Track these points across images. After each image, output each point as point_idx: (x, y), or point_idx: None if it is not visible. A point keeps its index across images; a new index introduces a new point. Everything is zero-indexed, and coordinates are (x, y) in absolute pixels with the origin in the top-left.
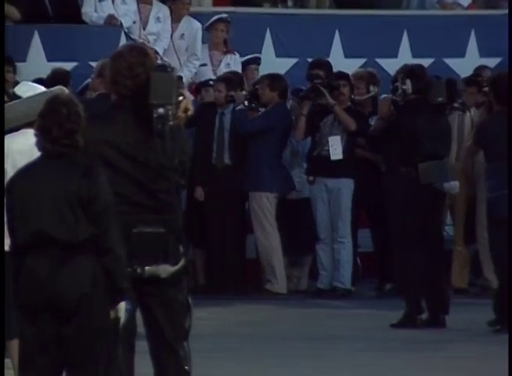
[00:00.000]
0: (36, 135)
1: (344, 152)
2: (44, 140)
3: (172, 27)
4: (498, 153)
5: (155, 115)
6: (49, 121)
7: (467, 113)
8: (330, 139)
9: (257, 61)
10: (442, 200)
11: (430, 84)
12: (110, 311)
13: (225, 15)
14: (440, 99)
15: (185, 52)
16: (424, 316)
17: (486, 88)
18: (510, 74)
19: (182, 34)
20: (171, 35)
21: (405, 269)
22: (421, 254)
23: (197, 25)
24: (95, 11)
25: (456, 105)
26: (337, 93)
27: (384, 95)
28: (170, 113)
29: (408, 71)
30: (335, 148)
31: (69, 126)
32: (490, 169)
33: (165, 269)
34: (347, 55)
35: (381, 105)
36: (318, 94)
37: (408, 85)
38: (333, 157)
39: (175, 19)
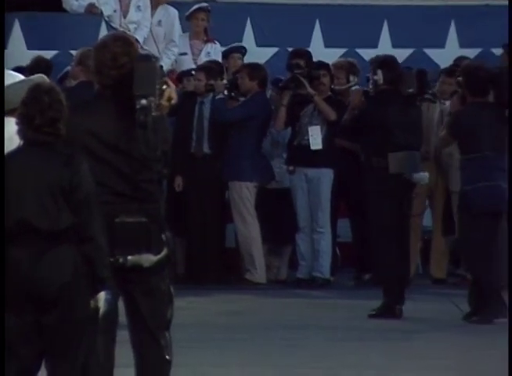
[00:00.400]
0: (18, 123)
1: (323, 142)
2: (26, 128)
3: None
4: (472, 145)
5: (138, 106)
6: (32, 109)
7: (437, 104)
8: (310, 128)
9: (241, 50)
10: (411, 190)
11: (401, 75)
12: (90, 300)
13: (205, 4)
14: (410, 89)
15: (163, 39)
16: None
17: (459, 78)
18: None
19: (159, 21)
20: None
21: (382, 259)
22: (395, 245)
23: (174, 11)
24: None
25: (426, 96)
26: (316, 83)
27: (355, 87)
28: (152, 104)
29: (379, 62)
30: (315, 138)
31: (51, 114)
32: (464, 161)
33: (148, 259)
34: (328, 44)
35: (353, 95)
36: (298, 84)
37: (379, 76)
38: (312, 147)
39: (152, 6)
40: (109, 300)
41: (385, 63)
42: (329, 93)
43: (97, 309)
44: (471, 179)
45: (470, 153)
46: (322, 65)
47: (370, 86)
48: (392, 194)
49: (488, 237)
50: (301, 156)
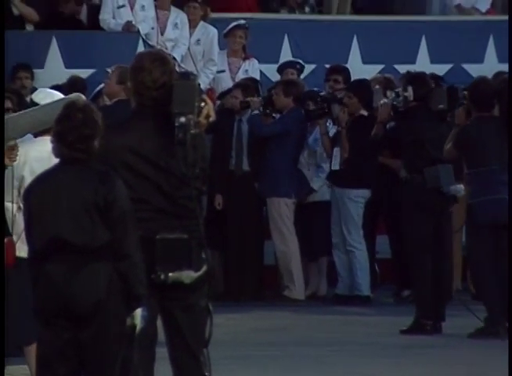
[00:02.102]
0: (52, 141)
1: (347, 163)
2: (60, 145)
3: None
4: (478, 158)
5: (177, 124)
6: (65, 126)
7: None
8: (335, 149)
9: (295, 66)
10: (450, 205)
11: (431, 91)
12: (127, 318)
13: (243, 21)
14: (441, 106)
15: (201, 57)
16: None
17: (465, 92)
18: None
19: (198, 40)
20: None
21: (417, 275)
22: (431, 260)
23: (213, 30)
24: (113, 17)
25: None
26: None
27: (383, 100)
28: (191, 121)
29: (410, 78)
30: (335, 158)
31: (84, 131)
32: (470, 175)
33: (188, 275)
34: (366, 61)
35: (382, 110)
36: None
37: (409, 92)
38: (332, 167)
39: (191, 25)
40: (145, 317)
41: (416, 79)
42: (361, 112)
43: (134, 326)
44: (478, 193)
45: (476, 167)
46: (352, 86)
47: (400, 102)
48: (430, 209)
49: (494, 250)
50: (331, 174)
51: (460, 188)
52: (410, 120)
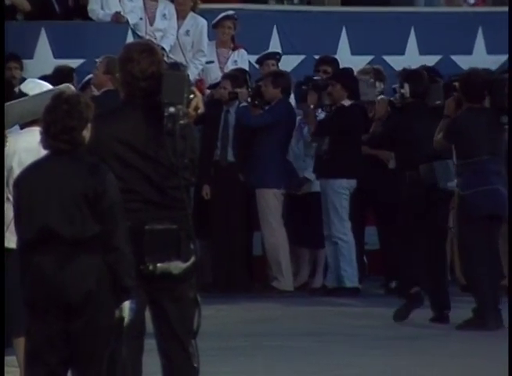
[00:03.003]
0: (40, 133)
1: (331, 152)
2: (46, 136)
3: (177, 24)
4: (469, 150)
5: (166, 114)
6: (50, 117)
7: None
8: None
9: (275, 57)
10: (447, 202)
11: (428, 87)
12: (115, 310)
13: (231, 12)
14: (438, 102)
15: (190, 48)
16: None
17: (455, 83)
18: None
19: (187, 31)
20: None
21: (407, 271)
22: (424, 253)
23: (202, 21)
24: (102, 8)
25: None
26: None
27: (381, 96)
28: (180, 112)
29: (406, 75)
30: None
31: (68, 123)
32: (461, 166)
33: (177, 266)
34: (354, 52)
35: (379, 106)
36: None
37: (406, 89)
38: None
39: (180, 16)
40: (133, 309)
41: (412, 76)
42: (343, 102)
43: (122, 318)
44: (470, 184)
45: (467, 158)
46: (335, 74)
47: (397, 97)
48: (427, 207)
49: (487, 242)
50: (317, 165)
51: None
52: (407, 116)
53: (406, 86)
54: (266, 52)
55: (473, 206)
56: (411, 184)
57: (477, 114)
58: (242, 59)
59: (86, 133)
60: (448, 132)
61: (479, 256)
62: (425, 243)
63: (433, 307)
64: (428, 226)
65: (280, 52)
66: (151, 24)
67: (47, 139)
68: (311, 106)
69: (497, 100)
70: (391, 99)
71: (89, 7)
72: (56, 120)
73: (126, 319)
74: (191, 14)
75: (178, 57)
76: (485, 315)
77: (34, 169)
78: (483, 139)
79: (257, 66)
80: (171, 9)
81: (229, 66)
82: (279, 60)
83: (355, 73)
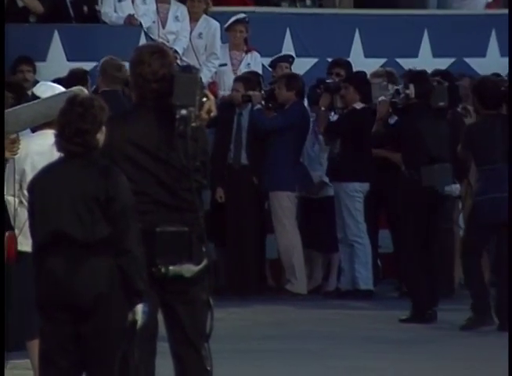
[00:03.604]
0: (54, 136)
1: (341, 155)
2: (59, 139)
3: (190, 27)
4: (485, 156)
5: (177, 116)
6: (64, 120)
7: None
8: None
9: (288, 60)
10: (443, 203)
11: (432, 88)
12: (128, 313)
13: (243, 15)
14: (441, 103)
15: (204, 51)
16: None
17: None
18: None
19: (200, 33)
20: (190, 35)
21: (408, 271)
22: (422, 254)
23: (215, 24)
24: (115, 11)
25: (458, 109)
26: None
27: (381, 97)
28: (192, 114)
29: (411, 76)
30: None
31: (82, 126)
32: (479, 172)
33: (189, 269)
34: (368, 54)
35: (380, 107)
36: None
37: (411, 90)
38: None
39: (193, 18)
40: (146, 312)
41: (417, 77)
42: (355, 105)
43: (135, 321)
44: (482, 191)
45: (482, 165)
46: (349, 77)
47: (401, 99)
48: (423, 207)
49: (480, 246)
50: (330, 168)
51: (456, 188)
52: (411, 116)
53: (411, 87)
54: (279, 54)
55: (481, 213)
56: (412, 184)
57: (493, 121)
58: (255, 61)
59: (100, 136)
60: (465, 139)
61: (477, 260)
62: (422, 243)
63: (416, 306)
64: (426, 226)
65: (293, 54)
66: (163, 27)
67: (60, 142)
68: (323, 109)
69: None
70: (393, 99)
71: (102, 10)
72: (70, 122)
73: (139, 322)
74: (204, 17)
75: (191, 60)
76: (481, 313)
77: (47, 173)
78: (498, 146)
79: (270, 68)
80: (183, 11)
81: (242, 69)
82: (291, 63)
83: (368, 75)
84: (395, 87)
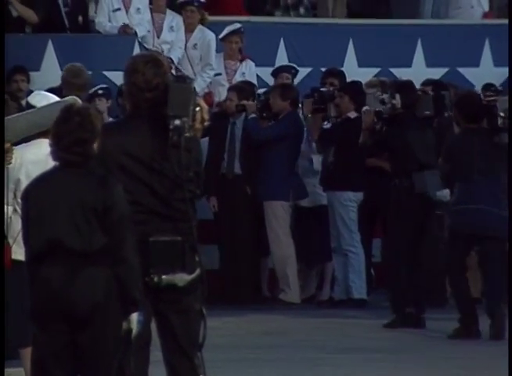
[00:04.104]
0: (50, 143)
1: (333, 164)
2: (57, 148)
3: (186, 37)
4: (461, 169)
5: (171, 126)
6: (62, 129)
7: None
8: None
9: (290, 70)
10: (433, 209)
11: (418, 98)
12: (123, 322)
13: (238, 25)
14: (427, 112)
15: (198, 61)
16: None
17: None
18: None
19: (195, 44)
20: (185, 45)
21: (393, 275)
22: (410, 262)
23: (210, 35)
24: (109, 21)
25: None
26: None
27: (365, 107)
28: (186, 125)
29: (397, 86)
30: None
31: (80, 135)
32: (456, 185)
33: (182, 278)
34: (361, 64)
35: (365, 116)
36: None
37: (397, 99)
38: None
39: (188, 29)
40: (141, 321)
41: (403, 87)
42: (349, 114)
43: (130, 330)
44: (456, 202)
45: (461, 178)
46: (346, 86)
47: (387, 109)
48: (415, 213)
49: (460, 258)
50: (323, 177)
51: (446, 193)
52: (397, 126)
53: (397, 97)
54: (282, 64)
55: (453, 223)
56: (403, 191)
57: (473, 135)
58: (250, 71)
59: (95, 146)
60: (445, 153)
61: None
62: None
63: (394, 306)
64: (419, 233)
65: (287, 64)
66: (158, 37)
67: (57, 151)
68: (309, 115)
69: (494, 121)
70: (377, 109)
71: (97, 20)
72: (69, 132)
73: (134, 331)
74: (199, 27)
75: (186, 70)
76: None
77: (43, 181)
78: (477, 158)
79: (264, 78)
80: (178, 22)
81: (237, 79)
82: (295, 75)
83: (364, 85)
84: (381, 96)
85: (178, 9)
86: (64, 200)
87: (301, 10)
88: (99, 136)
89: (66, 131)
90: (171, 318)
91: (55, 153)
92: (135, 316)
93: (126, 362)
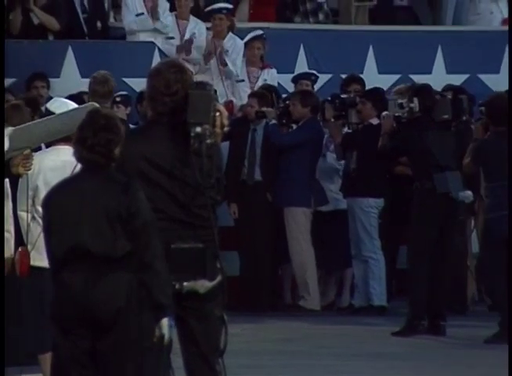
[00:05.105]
0: (74, 146)
1: (357, 170)
2: (81, 148)
3: (215, 43)
4: (495, 173)
5: (192, 134)
6: (87, 131)
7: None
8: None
9: (310, 77)
10: (456, 211)
11: (436, 102)
12: (155, 328)
13: (260, 31)
14: (445, 116)
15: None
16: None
17: (482, 108)
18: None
19: (226, 51)
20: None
21: (414, 277)
22: (430, 265)
23: (240, 43)
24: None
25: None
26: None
27: (385, 112)
28: (207, 131)
29: (415, 90)
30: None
31: (105, 135)
32: (488, 189)
33: (203, 285)
34: (381, 71)
35: (384, 121)
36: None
37: (415, 103)
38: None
39: (218, 36)
40: (172, 326)
41: (421, 91)
42: (371, 121)
43: (162, 336)
44: (493, 208)
45: (491, 182)
46: (369, 92)
47: (405, 113)
48: (437, 215)
49: (506, 265)
50: (344, 183)
51: (469, 194)
52: (416, 129)
53: (415, 101)
54: (302, 71)
55: (494, 230)
56: (425, 194)
57: (503, 138)
58: (271, 78)
59: (118, 150)
60: (475, 156)
61: (500, 277)
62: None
63: (429, 318)
64: (441, 237)
65: (307, 70)
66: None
67: (82, 151)
68: (332, 120)
69: None
70: (396, 114)
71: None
72: (95, 133)
73: (166, 337)
74: (230, 35)
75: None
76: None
77: (65, 187)
78: (507, 162)
79: (284, 85)
80: (201, 28)
81: (260, 86)
82: (314, 82)
83: (392, 92)
84: (399, 101)
85: (205, 16)
86: (88, 206)
87: (321, 16)
88: (122, 140)
89: (91, 132)
90: (192, 324)
91: (79, 154)
92: (165, 322)
93: (157, 369)
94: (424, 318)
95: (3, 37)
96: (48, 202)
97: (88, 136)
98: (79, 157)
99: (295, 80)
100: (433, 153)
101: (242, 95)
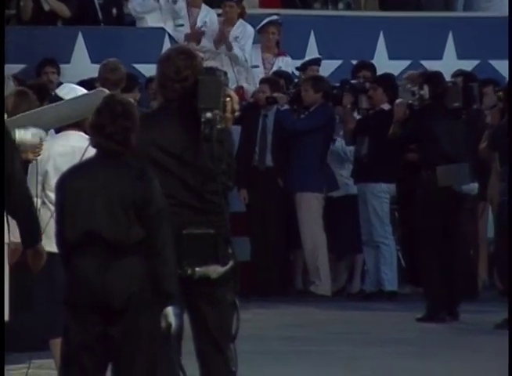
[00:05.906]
0: (90, 132)
1: (368, 155)
2: (98, 136)
3: (225, 29)
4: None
5: (203, 119)
6: (105, 117)
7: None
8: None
9: (318, 63)
10: (461, 203)
11: (446, 89)
12: (161, 317)
13: (275, 17)
14: (456, 103)
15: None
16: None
17: (500, 93)
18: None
19: (236, 37)
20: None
21: (427, 269)
22: (439, 255)
23: (251, 29)
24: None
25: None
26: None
27: (399, 99)
28: (218, 117)
29: (426, 77)
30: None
31: (123, 123)
32: (504, 172)
33: (215, 270)
34: (392, 57)
35: (397, 108)
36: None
37: (425, 91)
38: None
39: (229, 23)
40: (178, 315)
41: (431, 78)
42: (383, 106)
43: (169, 324)
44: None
45: (508, 165)
46: (380, 78)
47: (415, 100)
48: (440, 207)
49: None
50: (356, 169)
51: (474, 186)
52: (426, 117)
53: (426, 88)
54: (309, 58)
55: (506, 212)
56: (429, 185)
57: None
58: (286, 65)
59: (134, 137)
60: (492, 141)
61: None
62: (438, 243)
63: (431, 307)
64: (446, 228)
65: (320, 56)
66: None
67: (99, 139)
68: (348, 106)
69: None
70: (410, 101)
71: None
72: (113, 120)
73: (173, 325)
74: (240, 21)
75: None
76: None
77: (81, 171)
78: None
79: (297, 72)
80: (212, 17)
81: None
82: (319, 65)
83: (403, 78)
84: (411, 88)
85: (216, 3)
86: (102, 191)
87: (340, 4)
88: (138, 127)
89: (109, 119)
90: (204, 310)
91: (96, 141)
92: (170, 310)
93: (166, 356)
94: (443, 306)
95: (3, 33)
96: (61, 186)
97: (106, 123)
98: (96, 143)
99: (303, 68)
100: (441, 143)
101: (256, 81)
